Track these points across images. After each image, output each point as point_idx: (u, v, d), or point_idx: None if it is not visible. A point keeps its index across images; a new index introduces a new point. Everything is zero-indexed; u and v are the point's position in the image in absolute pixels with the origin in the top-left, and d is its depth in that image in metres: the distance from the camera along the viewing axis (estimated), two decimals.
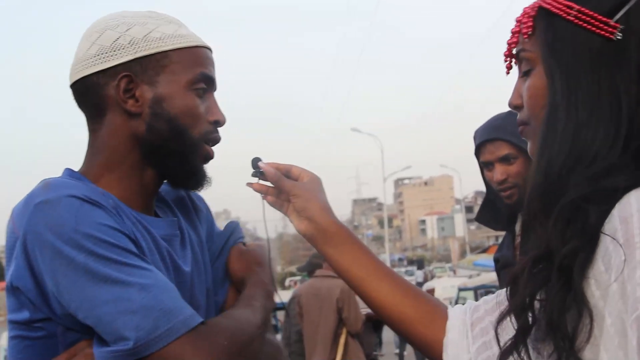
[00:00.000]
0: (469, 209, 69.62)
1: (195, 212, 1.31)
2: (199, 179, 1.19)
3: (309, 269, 6.20)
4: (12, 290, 1.03)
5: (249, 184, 1.20)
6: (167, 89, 1.13)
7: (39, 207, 1.00)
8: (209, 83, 1.18)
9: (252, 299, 1.17)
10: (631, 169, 0.81)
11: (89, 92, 1.15)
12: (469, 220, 65.89)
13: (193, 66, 1.15)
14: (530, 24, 0.90)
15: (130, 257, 1.01)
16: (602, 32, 0.84)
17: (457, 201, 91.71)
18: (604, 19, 0.84)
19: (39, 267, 1.00)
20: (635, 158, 0.82)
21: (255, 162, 1.19)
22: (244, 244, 1.32)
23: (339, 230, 1.13)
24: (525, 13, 0.92)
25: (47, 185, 1.04)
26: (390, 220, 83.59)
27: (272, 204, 1.19)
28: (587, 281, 0.78)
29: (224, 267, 1.28)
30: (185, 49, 1.15)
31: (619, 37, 0.83)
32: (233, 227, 1.34)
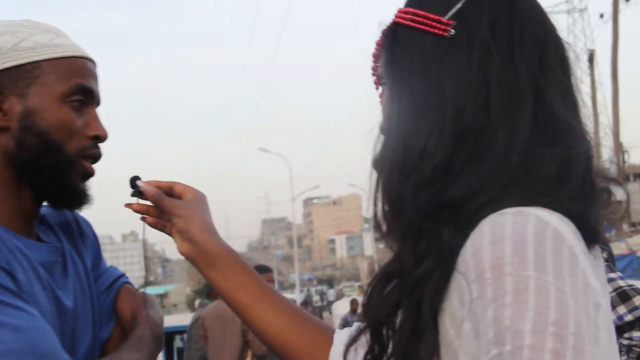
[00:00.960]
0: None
1: (81, 237, 1.23)
2: (77, 198, 1.11)
3: (206, 292, 6.10)
4: None
5: (127, 205, 1.12)
6: (38, 101, 1.06)
7: None
8: (88, 95, 1.11)
9: (141, 342, 1.11)
10: (468, 171, 0.77)
11: None
12: (377, 239, 67.01)
13: (68, 77, 1.08)
14: (380, 41, 0.89)
15: (4, 294, 0.94)
16: (436, 31, 0.83)
17: (366, 220, 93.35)
18: (436, 17, 0.83)
19: None
20: (473, 155, 0.78)
21: (134, 180, 1.11)
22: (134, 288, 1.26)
23: (223, 252, 1.06)
24: (381, 34, 0.91)
25: None
26: (299, 239, 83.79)
27: (153, 226, 1.12)
28: (442, 313, 0.74)
29: (111, 304, 1.21)
30: (60, 59, 1.08)
31: (452, 34, 0.82)
32: (120, 272, 1.29)
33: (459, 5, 0.83)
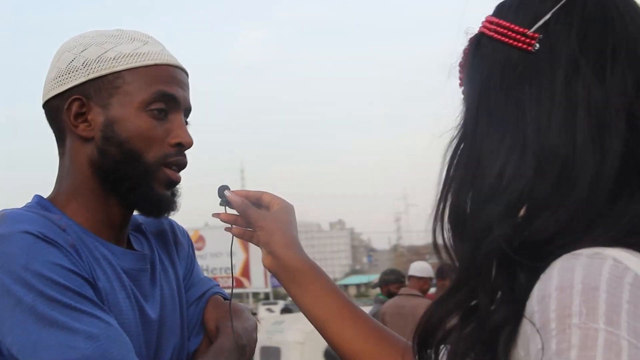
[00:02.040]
0: None
1: (175, 246, 1.24)
2: (158, 206, 1.11)
3: (380, 285, 6.25)
4: None
5: (215, 215, 1.12)
6: (119, 111, 1.07)
7: None
8: (171, 102, 1.10)
9: (220, 353, 1.11)
10: (553, 205, 0.70)
11: (51, 116, 1.13)
12: None
13: (149, 85, 1.08)
14: (467, 50, 0.83)
15: (82, 302, 0.95)
16: (519, 44, 0.75)
17: None
18: (521, 29, 0.76)
19: None
20: (559, 185, 0.70)
21: (222, 190, 1.11)
22: (226, 298, 1.25)
23: (303, 267, 1.05)
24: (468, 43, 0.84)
25: (3, 218, 1.00)
26: None
27: (240, 236, 1.12)
28: None
29: (200, 315, 1.21)
30: (142, 68, 1.08)
31: (537, 48, 0.74)
32: (214, 283, 1.29)
33: (546, 17, 0.75)
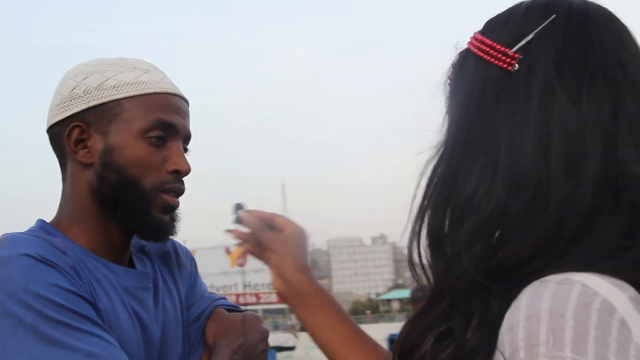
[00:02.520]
0: None
1: (178, 267, 1.26)
2: (155, 231, 1.13)
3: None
4: None
5: (228, 231, 1.12)
6: (117, 138, 1.10)
7: None
8: (169, 130, 1.12)
9: None
10: (524, 228, 0.69)
11: (54, 142, 1.15)
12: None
13: (147, 113, 1.10)
14: (454, 65, 0.82)
15: (82, 321, 0.97)
16: (500, 63, 0.75)
17: None
18: (502, 48, 0.75)
19: None
20: (530, 208, 0.69)
21: (237, 208, 1.11)
22: (232, 310, 1.26)
23: (313, 291, 1.04)
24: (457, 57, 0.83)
25: (3, 242, 1.02)
26: None
27: (252, 253, 1.12)
28: None
29: (200, 330, 1.22)
30: (141, 96, 1.11)
31: (516, 68, 0.73)
32: (216, 297, 1.30)
33: (528, 38, 0.74)
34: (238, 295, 24.47)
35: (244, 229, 1.11)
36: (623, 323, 0.60)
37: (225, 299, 1.31)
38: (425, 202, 0.77)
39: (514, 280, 0.66)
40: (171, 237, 1.16)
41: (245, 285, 24.90)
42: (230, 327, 1.20)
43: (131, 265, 1.18)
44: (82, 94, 1.11)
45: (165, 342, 1.14)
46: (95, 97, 1.11)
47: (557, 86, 0.71)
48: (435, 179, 0.77)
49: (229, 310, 1.26)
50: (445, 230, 0.74)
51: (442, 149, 0.78)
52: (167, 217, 1.13)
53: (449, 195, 0.75)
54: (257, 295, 24.90)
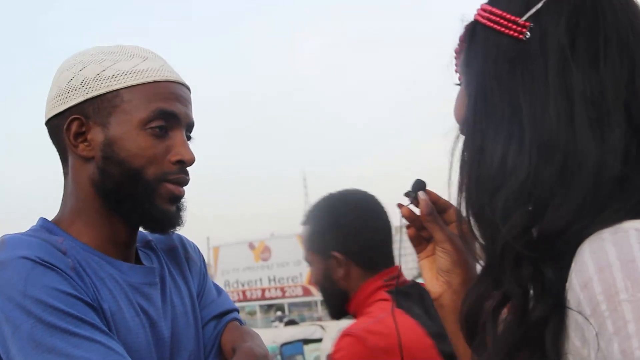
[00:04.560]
0: None
1: (187, 262, 1.23)
2: (164, 222, 1.10)
3: None
4: None
5: (400, 205, 0.98)
6: (118, 130, 1.06)
7: None
8: (171, 119, 1.08)
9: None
10: (560, 194, 0.69)
11: (53, 135, 1.12)
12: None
13: (148, 103, 1.06)
14: (462, 38, 0.83)
15: (82, 327, 0.95)
16: (510, 32, 0.75)
17: None
18: (512, 17, 0.76)
19: None
20: (564, 172, 0.69)
21: (417, 185, 0.96)
22: (241, 323, 1.24)
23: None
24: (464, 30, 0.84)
25: (2, 244, 1.00)
26: None
27: (411, 239, 0.99)
28: (566, 357, 0.67)
29: (217, 337, 1.19)
30: (140, 86, 1.07)
31: (527, 37, 0.74)
32: (230, 304, 1.26)
33: (538, 6, 0.75)
34: (263, 290, 24.32)
35: (415, 208, 0.98)
36: None
37: (237, 310, 1.27)
38: (460, 179, 0.78)
39: (560, 246, 0.67)
40: (178, 227, 1.12)
41: (270, 280, 24.27)
42: (247, 336, 1.18)
43: (137, 260, 1.15)
44: (80, 85, 1.08)
45: (176, 338, 1.12)
46: (94, 88, 1.07)
47: (573, 52, 0.72)
48: (464, 155, 0.77)
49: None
50: (483, 202, 0.74)
51: (465, 124, 0.79)
52: (173, 207, 1.10)
53: (480, 167, 0.75)
54: (282, 289, 24.48)
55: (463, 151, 0.78)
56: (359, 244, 1.65)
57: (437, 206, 0.96)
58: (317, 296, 21.82)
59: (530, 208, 0.71)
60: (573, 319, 0.64)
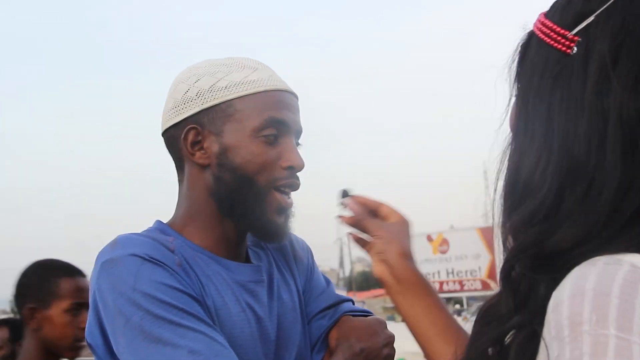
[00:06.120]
0: None
1: (295, 261, 1.27)
2: (271, 233, 1.15)
3: None
4: (88, 346, 1.08)
5: (341, 217, 1.12)
6: (232, 138, 1.12)
7: (104, 266, 1.03)
8: (281, 127, 1.13)
9: None
10: (576, 216, 0.68)
11: (170, 144, 1.18)
12: None
13: (260, 112, 1.12)
14: (521, 46, 0.81)
15: (187, 318, 1.00)
16: (559, 46, 0.73)
17: None
18: (562, 31, 0.73)
19: (105, 326, 1.03)
20: (586, 197, 0.68)
21: (343, 194, 1.12)
22: (360, 314, 1.25)
23: (415, 280, 1.04)
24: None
25: (115, 243, 1.07)
26: None
27: (355, 241, 1.12)
28: None
29: (325, 330, 1.22)
30: (252, 95, 1.12)
31: (574, 52, 0.72)
32: (342, 297, 1.29)
33: (589, 20, 0.72)
34: (441, 283, 24.23)
35: (350, 215, 1.12)
36: None
37: (351, 300, 1.30)
38: (503, 190, 0.78)
39: (559, 265, 0.67)
40: (284, 238, 1.17)
41: (448, 273, 24.38)
42: (352, 331, 1.19)
43: (247, 259, 1.20)
44: (195, 97, 1.14)
45: (282, 333, 1.16)
46: (208, 99, 1.13)
47: (613, 73, 0.69)
48: (506, 166, 0.78)
49: (355, 316, 1.25)
50: (505, 215, 0.76)
51: (511, 135, 0.79)
52: (281, 219, 1.14)
53: (510, 181, 0.76)
54: (460, 283, 24.43)
55: (506, 163, 0.79)
56: None
57: (367, 206, 1.12)
58: (495, 290, 21.78)
59: (540, 228, 0.71)
60: (544, 336, 0.64)
